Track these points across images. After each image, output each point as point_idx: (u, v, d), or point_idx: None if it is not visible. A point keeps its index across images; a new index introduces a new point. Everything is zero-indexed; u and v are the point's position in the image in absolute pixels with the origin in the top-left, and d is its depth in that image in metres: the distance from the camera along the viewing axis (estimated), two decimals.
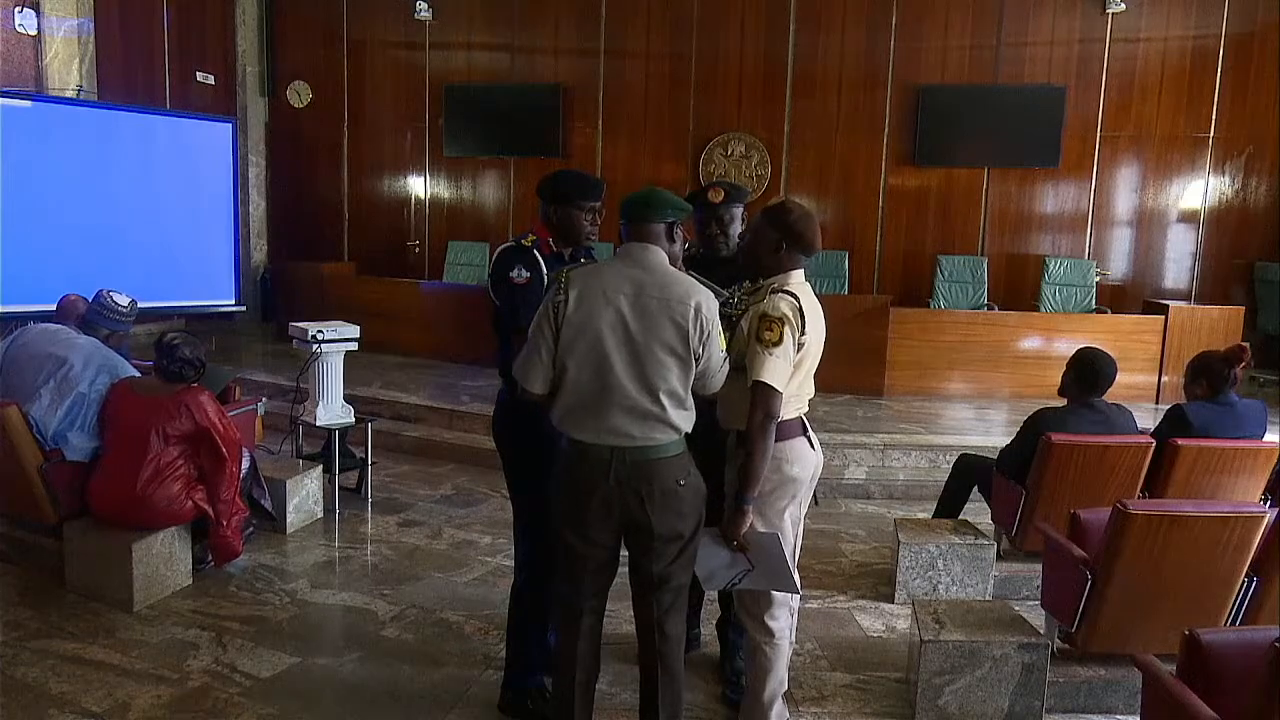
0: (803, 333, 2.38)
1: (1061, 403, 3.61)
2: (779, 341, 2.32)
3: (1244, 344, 3.52)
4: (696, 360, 2.22)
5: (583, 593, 2.36)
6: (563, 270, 2.32)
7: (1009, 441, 3.77)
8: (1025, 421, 3.61)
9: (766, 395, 2.31)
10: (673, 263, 2.34)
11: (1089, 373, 3.51)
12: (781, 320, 2.33)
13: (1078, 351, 3.60)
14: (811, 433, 2.58)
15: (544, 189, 2.74)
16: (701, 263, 2.83)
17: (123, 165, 7.13)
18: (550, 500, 2.37)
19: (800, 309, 2.38)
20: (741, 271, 2.72)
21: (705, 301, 2.22)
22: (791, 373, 2.38)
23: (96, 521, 3.57)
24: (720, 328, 2.27)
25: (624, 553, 2.40)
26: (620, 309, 2.19)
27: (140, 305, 4.10)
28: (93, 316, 3.83)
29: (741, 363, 2.38)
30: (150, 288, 6.86)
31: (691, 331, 2.19)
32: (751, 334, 2.35)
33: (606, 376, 2.19)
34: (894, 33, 8.43)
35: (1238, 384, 3.49)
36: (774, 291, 2.41)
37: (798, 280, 2.48)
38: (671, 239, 2.35)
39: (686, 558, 2.33)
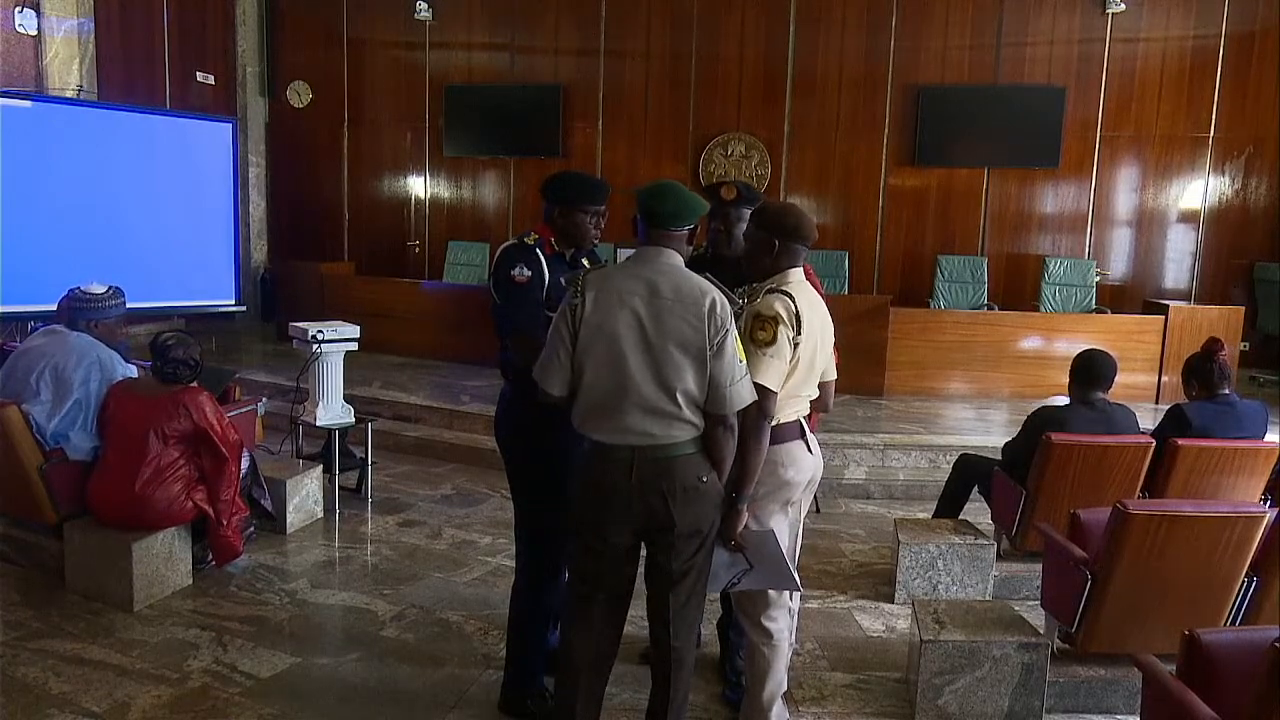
0: (797, 333, 2.37)
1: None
2: (772, 341, 2.32)
3: (1214, 336, 3.59)
4: (711, 359, 2.20)
5: (596, 589, 2.36)
6: (579, 274, 2.32)
7: (1012, 438, 3.78)
8: (1028, 418, 3.63)
9: (761, 395, 2.30)
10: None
11: (1084, 368, 3.55)
12: (775, 319, 2.33)
13: (1079, 353, 3.64)
14: (810, 436, 2.57)
15: (548, 190, 2.74)
16: (710, 265, 2.83)
17: (123, 165, 7.12)
18: (569, 501, 2.37)
19: (796, 309, 2.37)
20: (745, 275, 2.72)
21: (720, 300, 2.22)
22: (789, 372, 2.38)
23: (96, 522, 3.57)
24: (737, 332, 2.25)
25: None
26: (636, 310, 2.21)
27: (141, 305, 4.08)
28: (72, 313, 3.83)
29: None
30: (150, 288, 6.88)
31: (706, 330, 2.19)
32: (746, 334, 2.35)
33: (623, 377, 2.20)
34: (894, 33, 8.43)
35: (1231, 378, 3.51)
36: (769, 292, 2.42)
37: (795, 279, 2.48)
38: (690, 241, 2.37)
39: (704, 553, 2.34)
